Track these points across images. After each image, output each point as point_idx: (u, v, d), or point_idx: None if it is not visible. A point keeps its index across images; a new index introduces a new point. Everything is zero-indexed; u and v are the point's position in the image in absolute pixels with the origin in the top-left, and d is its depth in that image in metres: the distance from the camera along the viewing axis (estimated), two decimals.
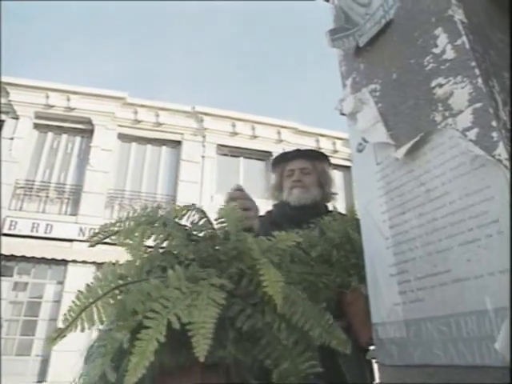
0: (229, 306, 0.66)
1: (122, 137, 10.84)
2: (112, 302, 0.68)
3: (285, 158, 1.60)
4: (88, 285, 0.70)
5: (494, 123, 0.69)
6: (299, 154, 1.59)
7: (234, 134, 11.57)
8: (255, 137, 11.70)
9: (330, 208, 1.47)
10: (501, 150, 0.67)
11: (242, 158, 11.67)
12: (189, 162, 10.94)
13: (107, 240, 0.88)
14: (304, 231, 1.11)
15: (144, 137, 10.98)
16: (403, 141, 0.87)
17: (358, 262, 0.97)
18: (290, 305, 0.72)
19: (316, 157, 1.60)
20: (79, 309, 0.66)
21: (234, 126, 11.55)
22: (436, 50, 0.85)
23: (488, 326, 0.63)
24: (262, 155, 11.65)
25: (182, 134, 11.18)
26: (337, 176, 11.23)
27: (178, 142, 11.18)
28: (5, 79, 9.94)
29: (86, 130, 10.55)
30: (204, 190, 10.54)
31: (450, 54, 0.81)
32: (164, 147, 11.24)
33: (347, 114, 1.08)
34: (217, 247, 0.82)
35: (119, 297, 0.69)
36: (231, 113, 11.71)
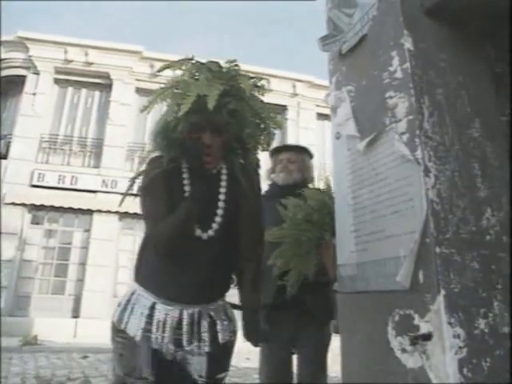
0: None
1: (140, 91, 11.06)
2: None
3: (278, 150, 2.11)
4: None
5: (417, 132, 1.01)
6: (288, 148, 2.20)
7: None
8: (270, 90, 11.73)
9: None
10: (419, 152, 0.99)
11: None
12: None
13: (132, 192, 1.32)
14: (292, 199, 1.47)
15: None
16: (365, 135, 1.19)
17: (331, 222, 1.32)
18: None
19: (300, 150, 2.12)
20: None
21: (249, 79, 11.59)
22: (391, 69, 1.14)
23: (399, 267, 0.98)
24: (278, 109, 11.78)
25: None
26: None
27: None
28: (23, 34, 10.13)
29: (104, 85, 10.80)
30: None
31: (398, 74, 1.11)
32: None
33: (330, 108, 1.39)
34: None
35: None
36: (246, 67, 11.69)
